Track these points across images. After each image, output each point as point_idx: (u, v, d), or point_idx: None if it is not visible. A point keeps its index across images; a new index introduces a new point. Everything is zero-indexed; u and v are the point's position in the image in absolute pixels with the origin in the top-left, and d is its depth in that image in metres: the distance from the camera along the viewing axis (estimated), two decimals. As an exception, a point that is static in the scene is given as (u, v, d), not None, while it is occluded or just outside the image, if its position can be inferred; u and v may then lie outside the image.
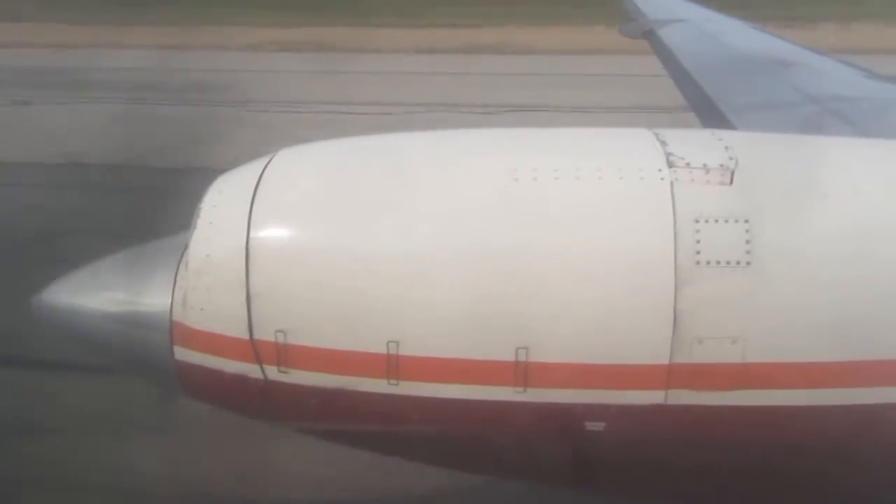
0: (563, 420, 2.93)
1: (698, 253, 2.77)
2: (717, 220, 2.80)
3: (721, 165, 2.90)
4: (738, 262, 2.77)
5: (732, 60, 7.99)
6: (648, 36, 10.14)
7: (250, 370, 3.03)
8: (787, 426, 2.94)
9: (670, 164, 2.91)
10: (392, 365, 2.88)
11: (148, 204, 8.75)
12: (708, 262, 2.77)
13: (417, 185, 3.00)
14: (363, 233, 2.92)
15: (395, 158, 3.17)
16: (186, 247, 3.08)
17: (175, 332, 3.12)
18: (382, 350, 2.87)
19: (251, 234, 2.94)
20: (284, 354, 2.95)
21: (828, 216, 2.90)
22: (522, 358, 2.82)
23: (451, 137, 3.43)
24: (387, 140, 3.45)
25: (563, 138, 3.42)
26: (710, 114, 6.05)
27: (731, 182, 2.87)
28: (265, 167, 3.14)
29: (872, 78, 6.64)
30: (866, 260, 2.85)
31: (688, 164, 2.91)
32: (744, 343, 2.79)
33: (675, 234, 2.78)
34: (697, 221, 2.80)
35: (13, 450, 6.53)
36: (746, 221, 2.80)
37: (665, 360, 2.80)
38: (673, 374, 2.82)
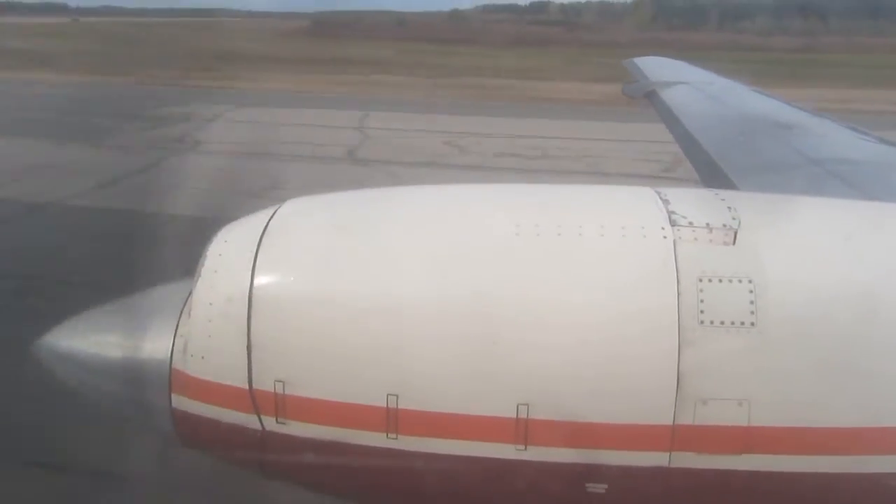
0: (565, 480, 2.87)
1: (702, 312, 2.75)
2: (720, 280, 2.79)
3: (724, 225, 2.90)
4: (742, 323, 2.75)
5: (735, 122, 8.07)
6: (650, 96, 10.29)
7: (248, 420, 2.99)
8: (793, 493, 2.87)
9: (673, 223, 2.91)
10: (391, 419, 2.84)
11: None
12: (712, 322, 2.75)
13: (421, 239, 3.01)
14: (366, 285, 2.91)
15: (400, 212, 3.19)
16: (190, 294, 3.07)
17: (174, 380, 3.09)
18: (382, 403, 2.83)
19: (254, 284, 2.93)
20: (283, 405, 2.92)
21: (833, 277, 2.89)
22: (524, 415, 2.78)
23: (456, 191, 3.45)
24: (392, 193, 3.46)
25: (565, 195, 3.44)
26: (712, 174, 6.08)
27: (735, 242, 2.87)
28: (271, 217, 3.15)
29: (873, 141, 6.70)
30: (872, 322, 2.82)
31: (691, 223, 2.91)
32: (749, 406, 2.75)
33: (679, 294, 2.77)
34: (701, 280, 2.79)
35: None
36: (750, 282, 2.79)
37: (668, 422, 2.76)
38: (677, 436, 2.77)
